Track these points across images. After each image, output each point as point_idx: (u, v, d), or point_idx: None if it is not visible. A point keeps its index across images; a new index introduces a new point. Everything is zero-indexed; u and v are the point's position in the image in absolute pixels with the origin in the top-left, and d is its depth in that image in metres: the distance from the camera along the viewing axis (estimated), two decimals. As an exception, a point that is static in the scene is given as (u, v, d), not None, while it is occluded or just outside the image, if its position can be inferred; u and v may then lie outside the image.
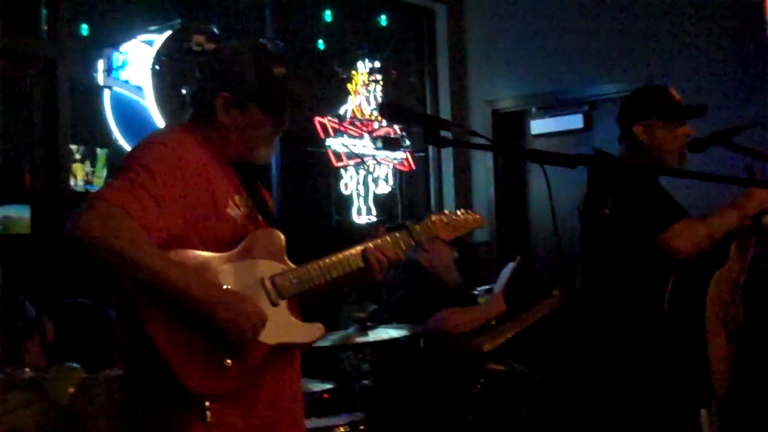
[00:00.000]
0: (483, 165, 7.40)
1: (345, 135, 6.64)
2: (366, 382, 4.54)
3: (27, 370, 1.84)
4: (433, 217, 3.10)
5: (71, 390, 1.80)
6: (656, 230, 3.57)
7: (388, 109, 2.82)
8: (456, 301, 5.11)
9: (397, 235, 2.97)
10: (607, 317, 3.75)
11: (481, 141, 2.83)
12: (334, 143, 6.57)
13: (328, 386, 4.52)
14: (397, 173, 7.02)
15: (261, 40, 6.02)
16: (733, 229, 3.70)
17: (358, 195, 6.77)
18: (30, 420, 1.81)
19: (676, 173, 3.87)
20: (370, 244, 2.88)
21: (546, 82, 7.09)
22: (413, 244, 3.00)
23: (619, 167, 2.39)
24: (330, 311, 3.01)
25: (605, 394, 3.83)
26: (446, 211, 3.19)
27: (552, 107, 7.20)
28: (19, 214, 6.94)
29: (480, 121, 7.35)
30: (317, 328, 2.79)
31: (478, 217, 3.25)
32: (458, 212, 3.21)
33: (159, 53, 5.64)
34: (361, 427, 4.18)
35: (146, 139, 2.76)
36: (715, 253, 3.69)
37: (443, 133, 2.65)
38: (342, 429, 4.12)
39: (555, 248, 6.55)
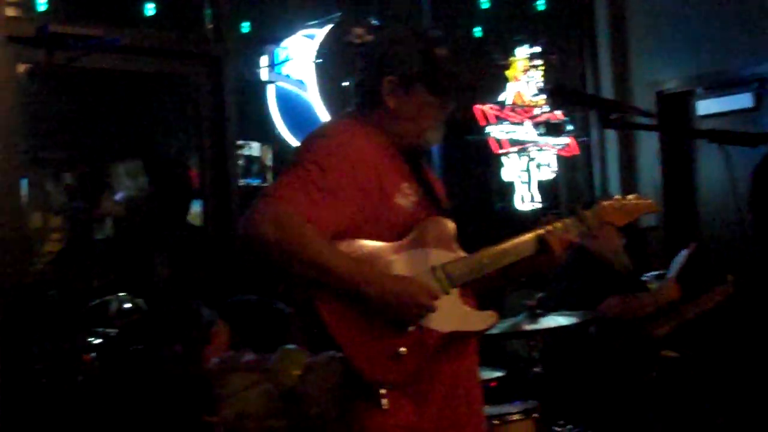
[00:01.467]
0: (649, 148, 7.21)
1: (506, 122, 6.58)
2: (537, 369, 4.49)
3: (248, 353, 1.89)
4: (605, 203, 3.03)
5: (297, 372, 1.84)
6: None
7: (558, 93, 2.78)
8: (625, 287, 5.02)
9: (568, 221, 2.92)
10: None
11: (651, 122, 2.75)
12: (494, 130, 6.52)
13: (498, 374, 4.50)
14: (560, 159, 6.92)
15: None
16: None
17: (521, 182, 6.69)
18: (256, 402, 1.85)
19: None
20: (543, 230, 2.84)
21: (712, 60, 6.86)
22: (584, 229, 2.94)
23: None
24: (495, 299, 2.98)
25: None
26: (617, 196, 3.11)
27: (719, 86, 6.95)
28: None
29: (643, 104, 7.14)
30: (490, 316, 2.77)
31: (650, 202, 3.16)
32: (629, 197, 3.12)
33: (320, 47, 5.71)
34: (535, 415, 4.13)
35: (314, 133, 2.80)
36: None
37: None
38: (516, 416, 4.08)
39: (726, 233, 6.39)
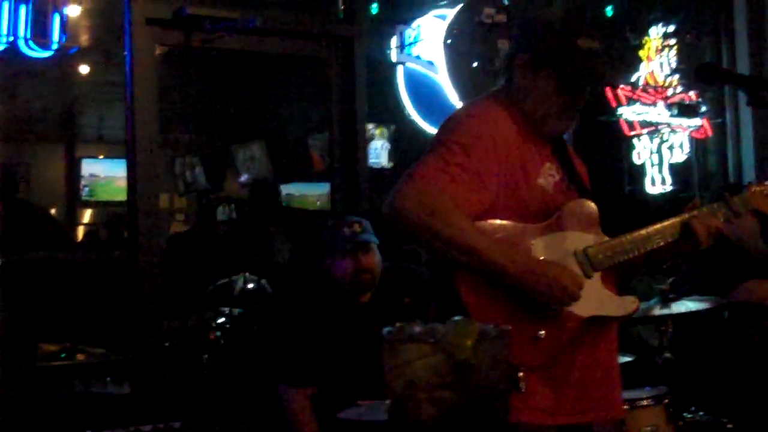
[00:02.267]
0: (786, 130, 7.01)
1: (638, 103, 6.46)
2: (667, 355, 4.41)
3: (418, 323, 1.91)
4: (755, 188, 2.94)
5: (470, 343, 1.85)
6: None
7: (704, 71, 2.70)
8: (761, 272, 4.89)
9: (715, 206, 2.85)
10: None
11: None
12: (626, 112, 6.42)
13: (627, 359, 4.42)
14: (693, 141, 6.76)
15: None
16: None
17: (652, 164, 6.57)
18: (427, 373, 1.87)
19: None
20: (688, 215, 2.78)
21: None
22: (731, 215, 2.86)
23: None
24: (625, 283, 2.94)
25: None
26: (767, 182, 3.00)
27: None
28: (311, 191, 7.25)
29: (782, 83, 6.95)
30: (632, 301, 2.73)
31: None
32: None
33: (450, 27, 5.69)
34: (666, 401, 4.05)
35: (457, 113, 2.81)
36: None
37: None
38: (646, 402, 4.01)
39: None
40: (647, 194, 6.56)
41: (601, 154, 6.50)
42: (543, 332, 2.54)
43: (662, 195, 6.54)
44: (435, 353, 1.88)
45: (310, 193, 7.44)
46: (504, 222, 2.61)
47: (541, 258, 2.58)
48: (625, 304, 2.72)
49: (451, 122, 2.73)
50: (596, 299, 2.64)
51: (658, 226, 2.77)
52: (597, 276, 2.66)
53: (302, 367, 4.09)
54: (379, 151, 5.80)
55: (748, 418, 4.52)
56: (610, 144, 6.55)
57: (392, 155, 5.94)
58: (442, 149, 2.60)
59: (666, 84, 6.58)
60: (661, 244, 2.75)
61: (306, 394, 4.08)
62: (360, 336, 3.97)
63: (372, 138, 5.77)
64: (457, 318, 1.95)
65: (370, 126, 5.72)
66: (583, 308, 2.60)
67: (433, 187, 2.51)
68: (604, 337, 2.75)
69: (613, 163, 6.59)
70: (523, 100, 2.74)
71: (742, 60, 7.19)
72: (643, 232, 2.74)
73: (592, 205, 2.73)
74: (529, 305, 2.53)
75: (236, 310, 5.14)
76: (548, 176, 2.72)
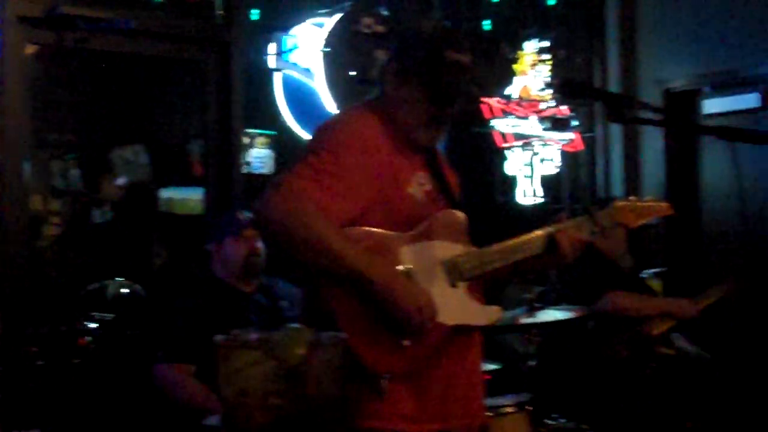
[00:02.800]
0: (653, 146, 7.21)
1: (511, 115, 6.58)
2: (532, 363, 4.52)
3: (254, 331, 1.90)
4: (619, 203, 3.06)
5: (301, 351, 1.85)
6: None
7: (566, 86, 2.78)
8: (626, 285, 5.04)
9: (581, 220, 2.94)
10: None
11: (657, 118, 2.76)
12: (500, 124, 6.52)
13: (494, 366, 4.52)
14: (564, 154, 6.92)
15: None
16: None
17: (524, 176, 6.69)
18: (258, 380, 1.86)
19: None
20: (554, 229, 2.86)
21: (720, 59, 6.85)
22: (597, 230, 2.95)
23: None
24: (494, 293, 3.00)
25: None
26: (632, 198, 3.14)
27: (726, 86, 6.95)
28: (190, 195, 7.15)
29: (650, 101, 7.15)
30: (495, 311, 2.80)
31: (665, 205, 3.19)
32: (645, 199, 3.16)
33: (329, 36, 5.71)
34: (529, 408, 4.15)
35: (328, 121, 2.81)
36: None
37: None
38: (509, 409, 4.10)
39: (729, 231, 6.38)
40: (518, 205, 6.66)
41: (474, 165, 6.59)
42: (407, 342, 2.57)
43: (533, 206, 6.66)
44: (266, 360, 1.88)
45: (192, 197, 7.36)
46: (373, 230, 2.63)
47: (407, 268, 2.61)
48: (490, 314, 2.78)
49: (322, 130, 2.75)
50: (461, 308, 2.70)
51: (525, 238, 2.83)
52: (463, 285, 2.71)
53: (180, 345, 4.06)
54: (264, 159, 5.75)
55: (608, 424, 4.67)
56: (483, 155, 6.64)
57: (277, 163, 5.91)
58: (311, 157, 2.61)
59: (539, 98, 6.72)
60: (528, 255, 2.82)
61: (184, 369, 4.04)
62: (241, 325, 3.97)
63: (253, 145, 5.72)
64: (290, 325, 1.96)
65: (251, 132, 5.68)
66: (448, 317, 2.64)
67: (299, 194, 2.52)
68: (469, 345, 2.80)
69: (486, 174, 6.68)
70: (395, 110, 2.77)
71: (613, 78, 7.39)
72: (510, 243, 2.81)
73: (462, 215, 2.79)
74: (389, 317, 2.56)
75: (108, 316, 5.06)
76: (419, 185, 2.76)
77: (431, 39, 2.78)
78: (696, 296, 5.02)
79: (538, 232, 2.86)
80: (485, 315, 2.77)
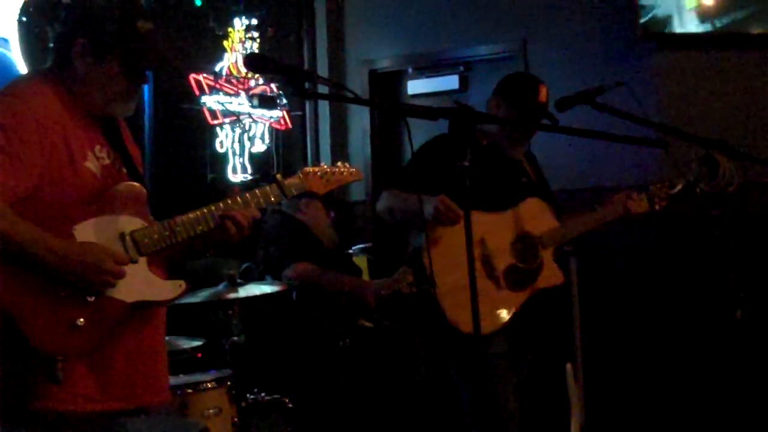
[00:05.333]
0: (360, 124, 7.42)
1: (220, 92, 6.56)
2: (236, 338, 4.54)
3: None
4: (306, 170, 3.05)
5: None
6: None
7: (252, 60, 2.79)
8: (330, 260, 5.15)
9: (268, 188, 2.93)
10: None
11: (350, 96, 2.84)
12: (209, 101, 6.49)
13: (196, 343, 4.51)
14: (274, 131, 6.98)
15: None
16: None
17: (234, 153, 6.70)
18: None
19: (541, 128, 3.94)
20: (229, 201, 2.84)
21: (423, 42, 7.12)
22: (284, 197, 2.96)
23: (479, 120, 2.41)
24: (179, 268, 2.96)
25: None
26: (322, 164, 3.14)
27: (428, 68, 7.23)
28: None
29: (357, 81, 7.36)
30: (179, 285, 2.75)
31: (354, 170, 3.21)
32: (336, 165, 3.16)
33: (26, 4, 5.46)
34: (228, 383, 4.17)
35: None
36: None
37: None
38: (209, 385, 4.10)
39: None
40: (229, 182, 6.66)
41: (185, 142, 6.52)
42: (82, 320, 2.50)
43: (243, 183, 6.67)
44: None
45: None
46: (49, 205, 2.54)
47: (85, 242, 2.56)
48: (173, 288, 2.74)
49: None
50: (142, 284, 2.65)
51: (204, 210, 2.79)
52: (143, 260, 2.67)
53: None
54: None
55: (308, 396, 4.77)
56: (194, 132, 6.57)
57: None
58: None
59: (248, 75, 6.73)
60: (208, 227, 2.80)
61: None
62: None
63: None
64: None
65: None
66: (127, 294, 2.60)
67: None
68: (151, 321, 2.77)
69: (196, 151, 6.61)
70: (83, 86, 2.70)
71: (321, 60, 7.51)
72: (190, 215, 2.76)
73: (141, 189, 2.73)
74: (68, 292, 2.49)
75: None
76: (97, 159, 2.69)
77: (122, 12, 2.72)
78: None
79: (219, 204, 2.83)
80: (168, 290, 2.73)
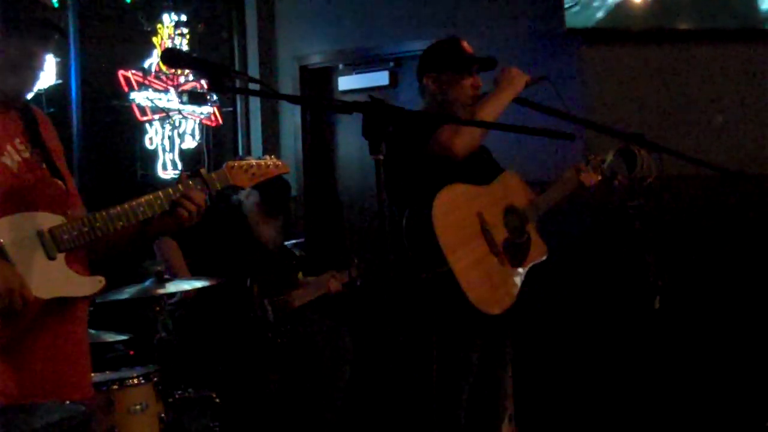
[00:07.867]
0: (291, 120, 7.42)
1: (150, 89, 6.53)
2: (164, 334, 4.53)
3: None
4: (231, 163, 3.03)
5: None
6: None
7: (169, 56, 2.78)
8: (268, 260, 5.18)
9: (191, 183, 2.91)
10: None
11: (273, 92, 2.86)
12: (138, 97, 6.46)
13: (122, 338, 4.50)
14: (204, 128, 6.97)
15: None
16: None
17: (164, 150, 6.68)
18: None
19: (455, 121, 3.89)
20: (151, 197, 2.82)
21: (353, 38, 7.14)
22: (208, 191, 2.95)
23: (392, 114, 2.43)
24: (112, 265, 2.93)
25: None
26: (249, 158, 3.10)
27: (359, 64, 7.26)
28: None
29: (288, 77, 7.37)
30: (98, 281, 2.74)
31: (281, 163, 3.18)
32: (263, 158, 3.13)
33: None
34: (155, 379, 4.16)
35: None
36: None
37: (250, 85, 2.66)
38: (136, 381, 4.08)
39: (364, 203, 6.64)
40: (159, 179, 6.64)
41: (114, 139, 6.49)
42: None
43: (174, 180, 6.63)
44: None
45: None
46: None
47: (0, 242, 2.54)
48: (91, 284, 2.73)
49: None
50: (59, 280, 2.63)
51: (125, 205, 2.77)
52: (62, 257, 2.65)
53: None
54: None
55: (234, 391, 4.77)
56: (123, 129, 6.54)
57: None
58: None
59: (178, 72, 6.71)
60: (130, 222, 2.77)
61: None
62: None
63: None
64: None
65: None
66: (44, 290, 2.58)
67: None
68: (70, 316, 2.74)
69: (126, 147, 6.59)
70: None
71: (252, 56, 7.49)
72: (112, 210, 2.74)
73: (60, 185, 2.71)
74: None
75: None
76: (17, 152, 2.67)
77: None
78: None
79: (147, 197, 2.81)
80: (86, 286, 2.72)
